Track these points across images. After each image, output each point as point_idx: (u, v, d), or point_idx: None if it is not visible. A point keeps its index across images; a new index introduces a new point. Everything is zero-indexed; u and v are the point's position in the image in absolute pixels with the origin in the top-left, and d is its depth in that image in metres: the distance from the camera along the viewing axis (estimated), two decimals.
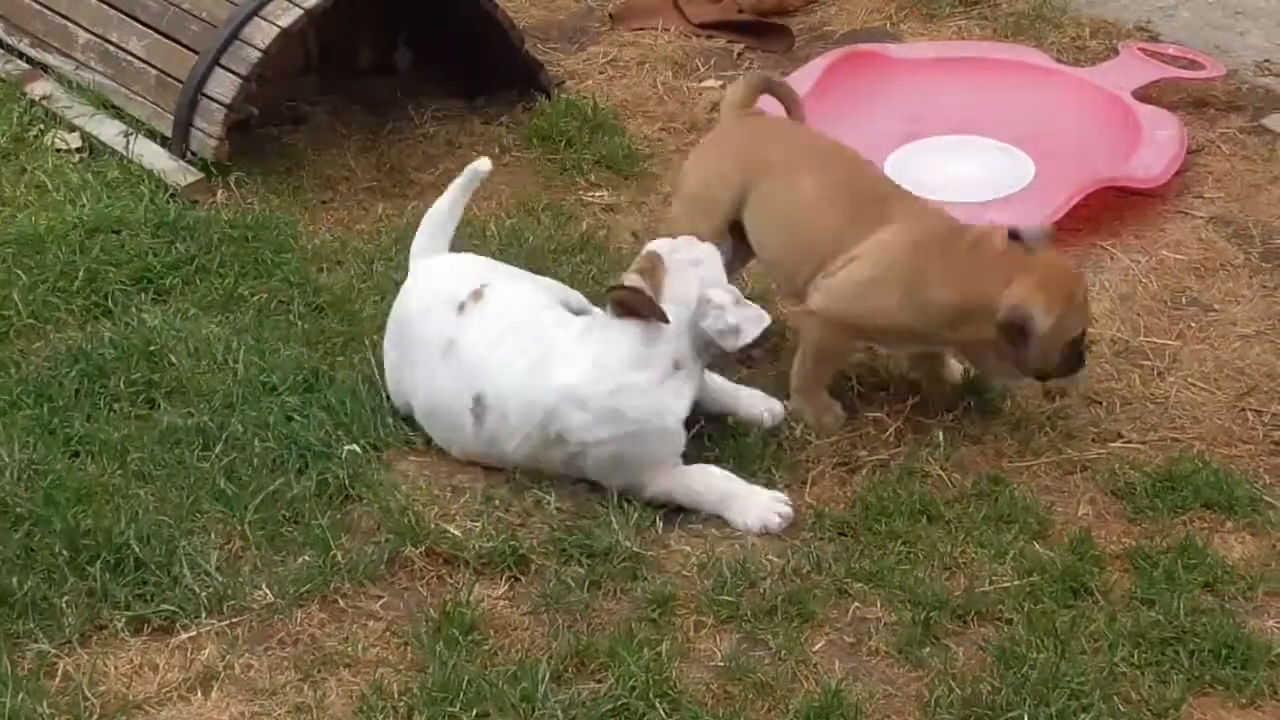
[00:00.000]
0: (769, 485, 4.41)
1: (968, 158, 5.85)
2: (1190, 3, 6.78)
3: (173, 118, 5.63)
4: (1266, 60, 6.39)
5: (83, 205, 5.40)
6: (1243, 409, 4.77)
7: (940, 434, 4.60)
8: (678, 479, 4.38)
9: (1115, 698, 3.85)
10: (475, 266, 4.70)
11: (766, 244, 4.76)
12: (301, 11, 5.66)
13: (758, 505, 4.34)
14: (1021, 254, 4.45)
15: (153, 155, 5.63)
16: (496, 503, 4.34)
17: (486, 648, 3.95)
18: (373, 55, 6.27)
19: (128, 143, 5.68)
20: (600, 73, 6.41)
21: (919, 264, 4.51)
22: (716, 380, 4.59)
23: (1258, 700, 3.87)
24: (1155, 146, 5.67)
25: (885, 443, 4.61)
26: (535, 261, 5.15)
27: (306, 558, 4.16)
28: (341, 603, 4.08)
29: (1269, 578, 4.18)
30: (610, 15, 6.79)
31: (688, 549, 4.25)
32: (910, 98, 6.09)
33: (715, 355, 4.46)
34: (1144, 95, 6.00)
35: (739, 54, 6.55)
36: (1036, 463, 4.57)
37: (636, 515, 4.31)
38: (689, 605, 4.09)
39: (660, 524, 4.32)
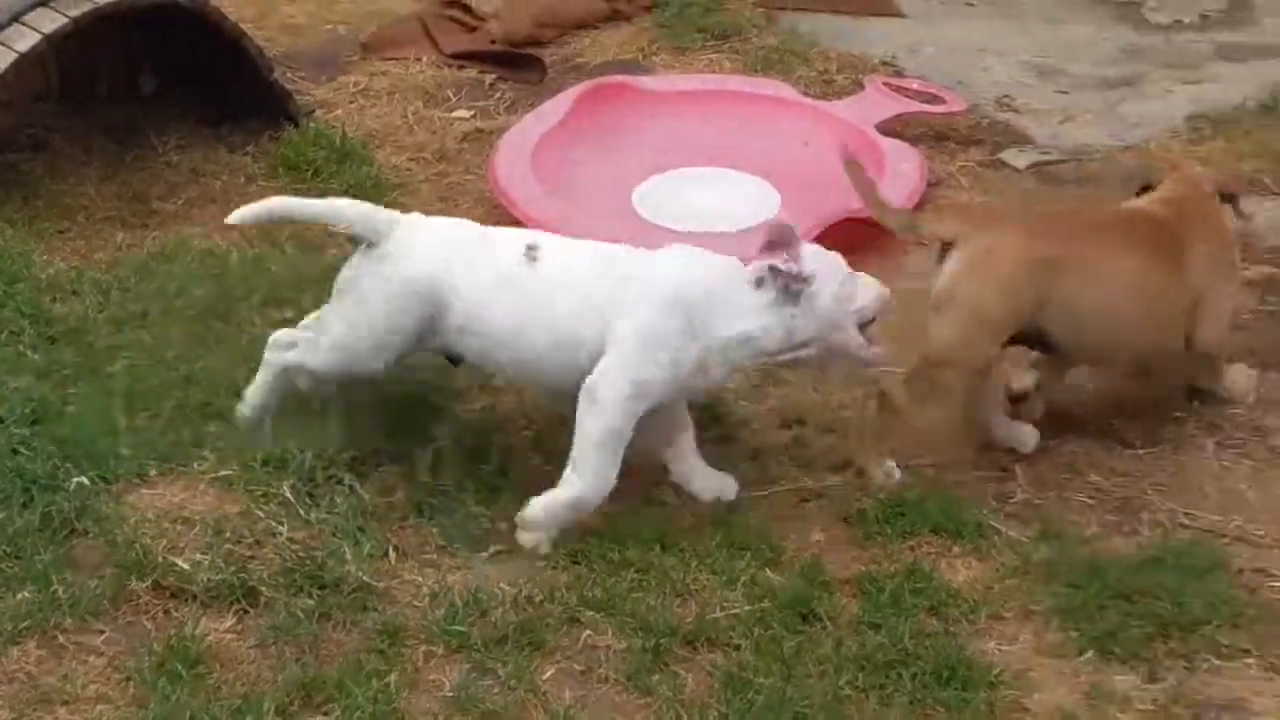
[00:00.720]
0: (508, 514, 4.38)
1: (715, 189, 5.91)
2: (936, 40, 6.93)
3: None
4: (1006, 96, 6.55)
5: None
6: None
7: None
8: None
9: None
10: None
11: (1091, 338, 4.73)
12: (40, 36, 5.54)
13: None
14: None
15: None
16: (227, 534, 4.26)
17: (211, 682, 3.88)
18: (115, 81, 6.16)
19: None
20: (351, 102, 6.37)
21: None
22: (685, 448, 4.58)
23: None
24: (898, 179, 5.77)
25: (623, 472, 4.61)
26: (277, 293, 5.10)
27: (26, 594, 4.05)
28: (61, 639, 3.98)
29: (991, 601, 4.26)
30: (362, 44, 6.76)
31: (419, 579, 4.22)
32: (660, 129, 6.15)
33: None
34: (888, 129, 6.12)
35: (491, 84, 6.56)
36: (774, 491, 4.62)
37: (370, 545, 4.27)
38: (419, 635, 4.05)
39: (393, 554, 4.28)
